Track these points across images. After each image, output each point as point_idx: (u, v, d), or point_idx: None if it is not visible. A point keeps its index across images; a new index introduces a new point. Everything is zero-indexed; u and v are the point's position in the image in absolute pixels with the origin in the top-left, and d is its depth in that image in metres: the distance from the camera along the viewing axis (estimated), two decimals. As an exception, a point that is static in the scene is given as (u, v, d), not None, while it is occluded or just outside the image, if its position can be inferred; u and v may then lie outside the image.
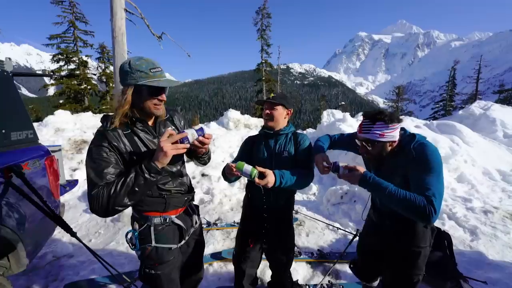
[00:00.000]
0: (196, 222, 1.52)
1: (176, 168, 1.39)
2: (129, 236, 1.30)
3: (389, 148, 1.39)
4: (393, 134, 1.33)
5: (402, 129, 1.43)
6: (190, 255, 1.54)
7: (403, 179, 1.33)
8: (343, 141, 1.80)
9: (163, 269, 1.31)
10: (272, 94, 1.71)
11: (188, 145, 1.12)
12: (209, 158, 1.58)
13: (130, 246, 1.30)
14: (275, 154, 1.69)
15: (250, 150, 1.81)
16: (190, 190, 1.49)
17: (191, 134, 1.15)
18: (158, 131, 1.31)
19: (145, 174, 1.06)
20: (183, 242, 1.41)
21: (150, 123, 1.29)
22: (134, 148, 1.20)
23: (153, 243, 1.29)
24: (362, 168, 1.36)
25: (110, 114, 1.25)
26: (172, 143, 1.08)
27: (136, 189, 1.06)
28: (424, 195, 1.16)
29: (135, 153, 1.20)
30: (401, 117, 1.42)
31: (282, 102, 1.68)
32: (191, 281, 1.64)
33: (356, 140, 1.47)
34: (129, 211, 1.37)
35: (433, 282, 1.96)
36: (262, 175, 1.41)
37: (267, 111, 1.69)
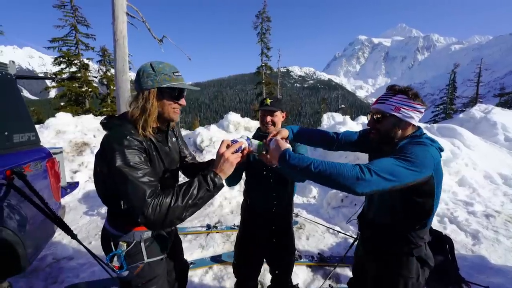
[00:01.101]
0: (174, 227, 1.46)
1: (175, 178, 1.35)
2: (115, 259, 1.15)
3: (400, 133, 1.18)
4: (411, 114, 1.13)
5: (418, 128, 1.24)
6: (173, 256, 1.47)
7: None
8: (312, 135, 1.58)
9: (156, 283, 1.22)
10: (269, 100, 1.66)
11: (242, 154, 1.10)
12: None
13: (112, 270, 1.15)
14: None
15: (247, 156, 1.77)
16: None
17: (244, 143, 1.13)
18: (169, 140, 1.27)
19: (210, 186, 0.97)
20: (167, 250, 1.34)
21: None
22: (152, 157, 1.13)
23: (146, 259, 1.19)
24: (286, 145, 1.16)
25: (116, 116, 1.18)
26: (232, 153, 1.04)
27: (198, 202, 0.96)
28: (359, 165, 0.97)
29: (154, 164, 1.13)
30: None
31: (281, 107, 1.68)
32: (181, 276, 1.57)
33: (369, 113, 1.28)
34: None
35: (434, 287, 1.95)
36: (266, 147, 1.26)
37: (269, 118, 1.66)
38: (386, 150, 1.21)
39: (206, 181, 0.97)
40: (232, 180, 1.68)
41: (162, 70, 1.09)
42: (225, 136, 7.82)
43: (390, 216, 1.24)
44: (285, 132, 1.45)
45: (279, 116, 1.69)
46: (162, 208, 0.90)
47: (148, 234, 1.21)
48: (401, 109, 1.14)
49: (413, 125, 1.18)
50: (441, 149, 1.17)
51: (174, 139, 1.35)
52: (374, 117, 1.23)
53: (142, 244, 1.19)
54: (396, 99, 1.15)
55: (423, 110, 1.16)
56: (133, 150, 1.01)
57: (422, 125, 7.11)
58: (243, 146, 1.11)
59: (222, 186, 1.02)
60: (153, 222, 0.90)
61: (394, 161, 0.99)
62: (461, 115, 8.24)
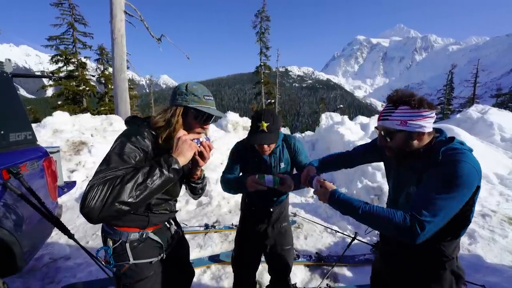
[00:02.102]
0: (176, 233, 1.43)
1: (176, 193, 1.35)
2: (101, 253, 1.17)
3: (417, 143, 1.07)
4: (420, 123, 1.02)
5: (439, 131, 1.14)
6: (176, 262, 1.46)
7: (416, 188, 1.07)
8: (339, 158, 1.57)
9: (145, 285, 1.20)
10: (265, 124, 1.42)
11: (199, 147, 1.13)
12: (203, 189, 1.45)
13: (102, 264, 1.18)
14: (272, 168, 1.66)
15: (243, 161, 1.70)
16: (174, 210, 1.41)
17: (202, 137, 1.16)
18: None
19: (163, 168, 0.96)
20: (162, 256, 1.31)
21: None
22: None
23: (131, 260, 1.17)
24: (332, 186, 1.17)
25: (141, 117, 1.24)
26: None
27: (148, 184, 0.92)
28: (411, 212, 0.91)
29: None
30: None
31: (278, 130, 1.52)
32: (183, 283, 1.57)
33: (376, 130, 1.19)
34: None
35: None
36: (282, 181, 1.44)
37: (267, 148, 1.53)
38: (417, 167, 1.09)
39: (159, 163, 0.97)
40: (237, 190, 1.65)
41: (193, 91, 1.15)
42: (223, 136, 7.82)
43: None
44: (313, 169, 1.44)
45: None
46: (102, 191, 0.86)
47: (135, 235, 1.20)
48: (408, 122, 1.03)
49: (429, 132, 1.07)
50: (471, 150, 1.07)
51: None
52: (382, 133, 1.12)
53: (127, 245, 1.18)
54: (399, 112, 1.05)
55: (433, 115, 1.05)
56: (136, 148, 1.03)
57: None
58: (200, 139, 1.15)
59: (180, 169, 1.01)
60: (91, 208, 0.84)
61: (440, 196, 0.90)
62: (458, 116, 8.29)
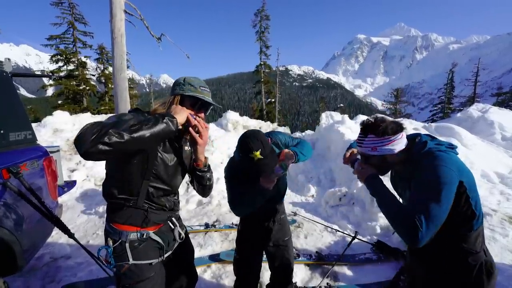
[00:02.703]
0: (179, 235, 1.41)
1: (175, 184, 1.34)
2: (102, 253, 1.18)
3: (393, 159, 1.20)
4: (389, 148, 1.15)
5: (418, 135, 1.25)
6: (179, 264, 1.45)
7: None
8: None
9: (145, 286, 1.20)
10: (258, 154, 1.29)
11: (194, 121, 1.22)
12: (210, 179, 1.43)
13: (103, 263, 1.19)
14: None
15: (242, 181, 1.56)
16: (175, 208, 1.39)
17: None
18: (182, 143, 1.36)
19: (159, 118, 1.06)
20: (163, 258, 1.30)
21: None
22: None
23: (131, 261, 1.17)
24: (372, 170, 1.26)
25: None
26: None
27: (143, 126, 0.99)
28: (415, 211, 1.01)
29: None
30: (400, 119, 1.28)
31: (270, 148, 1.40)
32: (186, 287, 1.54)
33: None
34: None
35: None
36: (287, 162, 1.45)
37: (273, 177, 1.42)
38: (404, 176, 1.24)
39: (155, 117, 1.07)
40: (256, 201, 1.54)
41: (190, 82, 1.26)
42: (224, 135, 7.81)
43: None
44: (355, 152, 1.51)
45: None
46: (99, 126, 0.93)
47: (135, 235, 1.20)
48: (378, 148, 1.16)
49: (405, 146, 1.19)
50: (452, 146, 1.17)
51: (188, 148, 1.40)
52: (359, 157, 1.32)
53: (127, 245, 1.18)
54: (368, 140, 1.18)
55: (400, 136, 1.15)
56: (133, 116, 1.13)
57: (420, 125, 7.13)
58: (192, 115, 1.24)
59: (175, 121, 1.09)
60: (83, 134, 0.89)
61: (428, 202, 0.99)
62: (458, 115, 8.27)
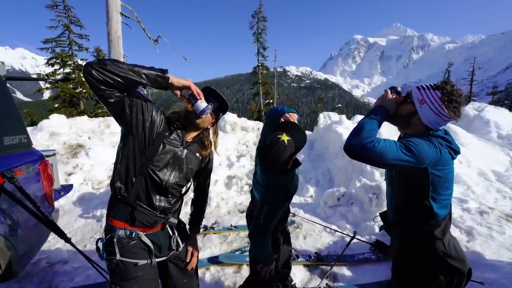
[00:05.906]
0: (177, 245, 1.39)
1: (172, 185, 1.29)
2: (99, 244, 1.22)
3: (417, 124, 1.16)
4: (431, 115, 1.09)
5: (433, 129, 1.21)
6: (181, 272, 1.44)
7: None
8: None
9: (130, 286, 1.20)
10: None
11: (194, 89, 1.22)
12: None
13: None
14: None
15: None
16: (167, 212, 1.33)
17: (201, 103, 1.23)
18: (191, 147, 1.37)
19: (156, 67, 1.13)
20: (152, 261, 1.28)
21: (189, 137, 1.36)
22: (162, 130, 1.25)
23: (118, 256, 1.19)
24: (393, 107, 1.21)
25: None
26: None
27: (139, 67, 1.08)
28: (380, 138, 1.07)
29: (155, 133, 1.23)
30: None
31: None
32: None
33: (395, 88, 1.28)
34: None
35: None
36: None
37: None
38: (407, 135, 1.24)
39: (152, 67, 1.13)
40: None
41: None
42: (222, 137, 7.79)
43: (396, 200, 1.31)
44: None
45: None
46: (105, 59, 1.06)
47: (123, 232, 1.21)
48: (426, 104, 1.10)
49: (427, 126, 1.15)
50: (455, 150, 1.14)
51: (198, 155, 1.42)
52: (399, 97, 1.23)
53: (115, 240, 1.20)
54: (431, 93, 1.09)
55: (446, 119, 1.10)
56: (152, 105, 1.22)
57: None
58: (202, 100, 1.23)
59: (167, 76, 1.12)
60: (91, 62, 1.02)
61: (397, 143, 1.07)
62: (455, 113, 8.31)
